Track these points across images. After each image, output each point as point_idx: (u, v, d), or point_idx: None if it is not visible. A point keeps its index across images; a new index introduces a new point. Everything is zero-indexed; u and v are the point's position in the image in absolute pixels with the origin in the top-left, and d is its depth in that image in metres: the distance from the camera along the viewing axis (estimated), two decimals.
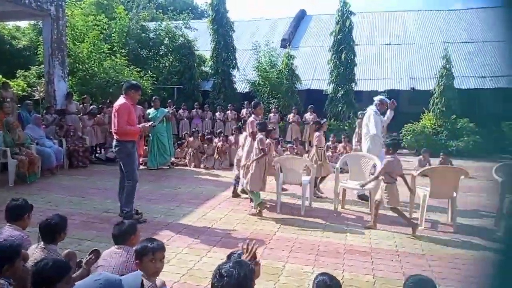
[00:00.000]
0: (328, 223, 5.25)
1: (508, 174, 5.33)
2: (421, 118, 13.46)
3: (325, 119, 6.99)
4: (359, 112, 12.00)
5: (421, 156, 8.95)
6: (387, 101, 6.51)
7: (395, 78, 15.71)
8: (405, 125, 13.24)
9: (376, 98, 6.58)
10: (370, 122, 6.28)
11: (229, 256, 2.47)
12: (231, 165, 9.54)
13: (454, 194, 5.10)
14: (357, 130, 11.03)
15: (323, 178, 6.85)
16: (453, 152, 11.93)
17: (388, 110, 6.54)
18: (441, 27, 18.83)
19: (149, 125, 6.36)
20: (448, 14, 20.43)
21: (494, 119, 13.33)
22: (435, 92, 13.10)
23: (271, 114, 13.46)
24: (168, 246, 4.22)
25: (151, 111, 9.03)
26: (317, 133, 6.65)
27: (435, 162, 8.89)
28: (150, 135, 8.91)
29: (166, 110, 9.53)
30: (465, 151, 11.99)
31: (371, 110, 6.41)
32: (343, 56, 14.21)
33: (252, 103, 6.26)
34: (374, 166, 5.81)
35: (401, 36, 18.64)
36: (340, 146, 9.90)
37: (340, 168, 6.14)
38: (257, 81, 15.62)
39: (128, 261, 2.70)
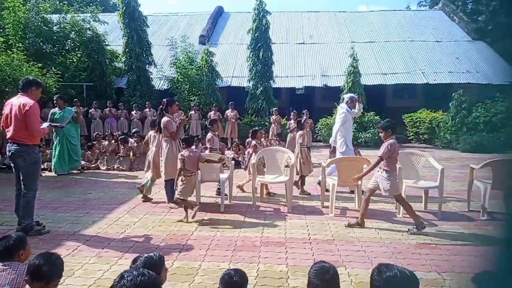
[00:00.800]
0: (246, 218, 5.31)
1: (404, 162, 5.95)
2: (334, 113, 14.35)
3: (305, 117, 7.06)
4: (273, 109, 12.47)
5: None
6: (355, 97, 6.92)
7: (310, 75, 16.54)
8: (319, 120, 14.02)
9: (346, 96, 6.93)
10: (341, 119, 6.61)
11: (134, 261, 2.36)
12: None
13: (359, 182, 5.51)
14: (273, 126, 11.37)
15: (302, 176, 6.75)
16: (362, 143, 12.99)
17: (357, 104, 6.92)
18: (348, 28, 20.28)
19: (59, 126, 6.23)
20: (354, 15, 22.12)
21: (395, 111, 14.87)
22: (345, 88, 14.08)
23: (192, 112, 13.26)
24: (74, 257, 3.91)
25: (55, 110, 8.25)
26: (300, 132, 6.68)
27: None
28: (57, 137, 8.17)
29: (73, 109, 8.81)
30: (371, 142, 13.10)
31: (343, 108, 6.74)
32: (261, 54, 14.54)
33: (165, 100, 6.02)
34: (290, 159, 6.05)
35: (313, 36, 19.67)
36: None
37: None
38: (176, 78, 15.26)
39: (18, 279, 2.41)
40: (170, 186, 5.96)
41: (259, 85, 14.67)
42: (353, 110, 6.80)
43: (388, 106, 17.02)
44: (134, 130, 9.99)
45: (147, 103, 13.53)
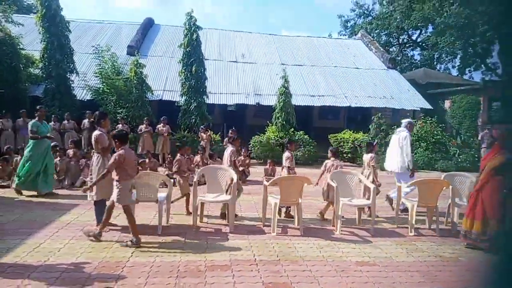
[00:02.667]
0: (187, 240, 5.05)
1: (339, 181, 6.21)
2: (266, 130, 14.65)
3: (376, 140, 7.09)
4: (201, 127, 12.33)
5: (267, 165, 9.64)
6: (413, 122, 7.34)
7: (243, 93, 16.72)
8: (252, 137, 14.16)
9: (405, 121, 7.42)
10: (406, 143, 6.99)
11: None
12: (73, 184, 8.35)
13: (300, 200, 5.61)
14: (202, 143, 11.16)
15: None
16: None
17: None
18: (278, 50, 21.09)
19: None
20: (283, 39, 23.11)
21: (321, 131, 15.76)
22: (277, 108, 14.49)
23: (119, 125, 12.47)
24: None
25: (37, 122, 7.26)
26: (371, 155, 6.67)
27: (279, 170, 9.70)
28: (46, 152, 7.34)
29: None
30: (301, 160, 13.57)
31: (404, 132, 7.15)
32: (193, 69, 14.34)
33: (97, 113, 5.55)
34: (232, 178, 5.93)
35: (245, 55, 20.06)
36: (197, 158, 9.80)
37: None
38: (102, 89, 14.28)
39: None
40: (101, 207, 5.44)
41: (192, 101, 14.40)
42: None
43: (315, 126, 17.90)
44: (53, 144, 9.00)
45: (66, 114, 12.38)
